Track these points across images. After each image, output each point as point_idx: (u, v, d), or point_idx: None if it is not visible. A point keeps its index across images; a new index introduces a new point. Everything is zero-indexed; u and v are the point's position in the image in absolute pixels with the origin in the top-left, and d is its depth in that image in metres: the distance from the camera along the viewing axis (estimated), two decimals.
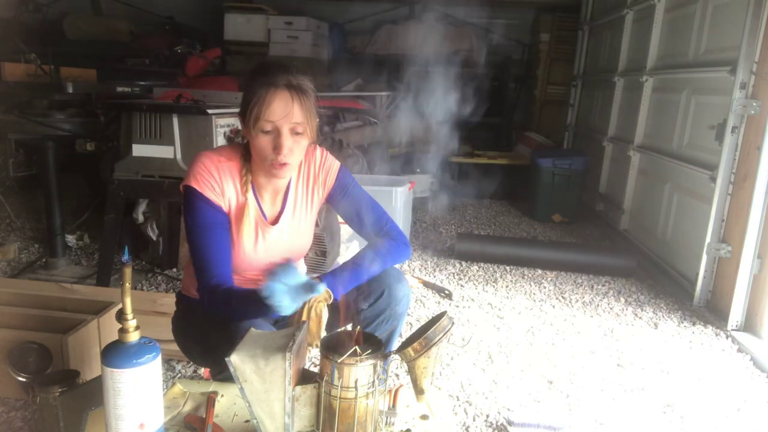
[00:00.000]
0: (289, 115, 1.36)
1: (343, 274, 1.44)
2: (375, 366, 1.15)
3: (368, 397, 1.15)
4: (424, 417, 1.41)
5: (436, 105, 7.17)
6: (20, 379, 1.74)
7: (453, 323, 1.24)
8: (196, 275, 1.43)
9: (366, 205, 1.60)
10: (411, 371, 1.23)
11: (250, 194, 1.48)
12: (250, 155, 1.48)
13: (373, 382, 1.16)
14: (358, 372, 1.13)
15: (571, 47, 6.25)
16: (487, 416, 1.89)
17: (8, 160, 3.00)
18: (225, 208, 1.45)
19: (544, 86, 6.74)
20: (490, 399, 2.00)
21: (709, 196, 2.87)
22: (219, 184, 1.43)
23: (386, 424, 1.33)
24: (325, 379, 1.14)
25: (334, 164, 1.59)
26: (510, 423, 1.84)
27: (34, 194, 4.28)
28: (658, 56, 3.93)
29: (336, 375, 1.13)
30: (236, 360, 1.09)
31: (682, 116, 3.42)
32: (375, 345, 1.20)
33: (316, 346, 1.30)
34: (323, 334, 1.35)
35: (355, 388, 1.13)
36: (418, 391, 1.23)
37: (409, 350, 1.20)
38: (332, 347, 1.18)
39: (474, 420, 1.87)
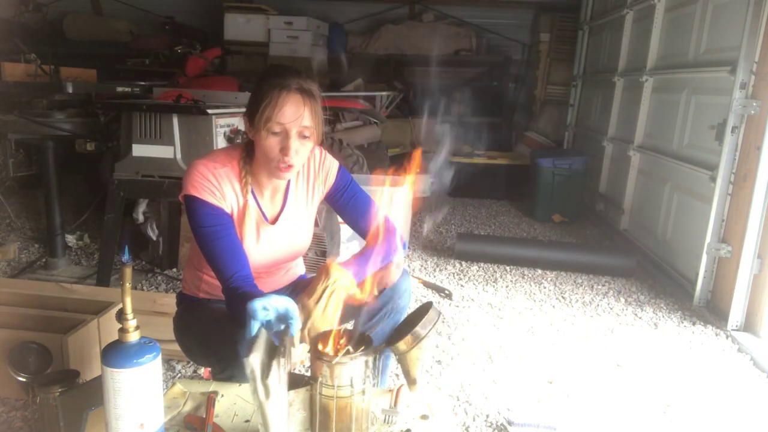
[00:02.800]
0: (299, 118, 1.37)
1: (353, 266, 1.43)
2: (367, 362, 1.16)
3: (364, 393, 1.16)
4: (424, 417, 1.41)
5: (436, 105, 7.18)
6: (20, 379, 1.74)
7: (440, 314, 1.26)
8: (218, 279, 1.43)
9: (363, 203, 1.61)
10: (402, 363, 1.24)
11: (250, 195, 1.49)
12: (249, 156, 1.48)
13: (367, 377, 1.16)
14: (352, 369, 1.13)
15: (571, 47, 6.26)
16: (487, 416, 1.89)
17: (8, 160, 2.99)
18: (228, 211, 1.45)
19: (544, 86, 6.73)
20: (490, 399, 2.00)
21: (709, 196, 2.87)
22: (218, 189, 1.43)
23: (387, 423, 1.33)
24: (319, 380, 1.14)
25: (333, 164, 1.61)
26: (510, 423, 1.84)
27: (34, 194, 4.28)
28: (658, 56, 3.93)
29: (329, 375, 1.12)
30: (252, 361, 1.08)
31: (682, 116, 3.42)
32: (365, 341, 1.20)
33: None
34: (335, 323, 1.34)
35: (351, 385, 1.13)
36: (411, 381, 1.25)
37: (401, 344, 1.21)
38: (322, 347, 1.17)
39: (474, 420, 1.87)
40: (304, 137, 1.40)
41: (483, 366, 2.24)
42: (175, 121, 2.59)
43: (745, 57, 2.65)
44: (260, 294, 1.26)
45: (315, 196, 1.60)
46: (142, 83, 3.79)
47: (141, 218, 3.12)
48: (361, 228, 1.62)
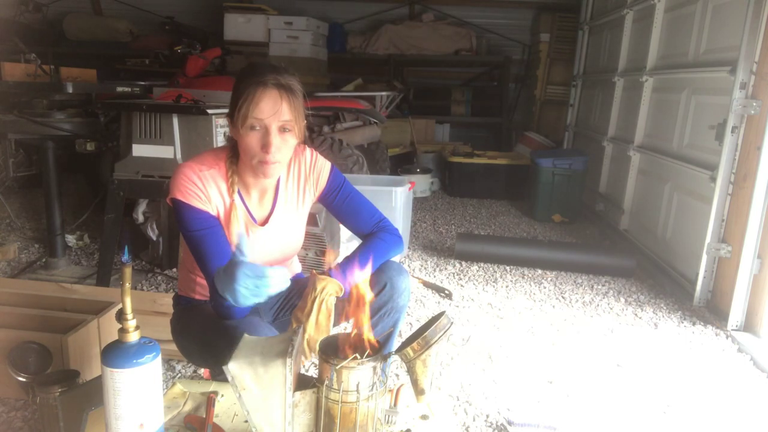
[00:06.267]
0: (277, 113, 1.36)
1: (350, 267, 1.44)
2: (375, 368, 1.15)
3: (369, 400, 1.15)
4: (424, 417, 1.41)
5: (436, 105, 7.13)
6: (20, 379, 1.74)
7: (452, 323, 1.24)
8: (206, 282, 1.43)
9: (358, 203, 1.62)
10: (411, 371, 1.22)
11: (237, 197, 1.48)
12: (235, 156, 1.48)
13: (374, 384, 1.15)
14: (359, 375, 1.12)
15: (571, 47, 6.26)
16: (487, 416, 1.89)
17: (8, 160, 2.99)
18: (213, 213, 1.45)
19: (544, 86, 6.74)
20: (490, 399, 2.00)
21: (709, 196, 2.87)
22: (203, 192, 1.42)
23: (387, 422, 1.33)
24: (325, 383, 1.13)
25: (325, 165, 1.60)
26: (510, 423, 1.84)
27: (34, 194, 4.29)
28: (658, 56, 3.93)
29: (336, 379, 1.12)
30: (234, 368, 1.08)
31: (682, 116, 3.42)
32: (375, 347, 1.20)
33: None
34: (331, 328, 1.35)
35: (357, 391, 1.12)
36: (419, 391, 1.23)
37: (408, 350, 1.19)
38: (331, 351, 1.17)
39: (474, 420, 1.87)
40: (285, 131, 1.39)
41: (483, 366, 2.24)
42: (175, 121, 2.60)
43: (745, 57, 2.65)
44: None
45: (306, 198, 1.60)
46: (142, 83, 3.80)
47: (141, 218, 3.12)
48: (357, 228, 1.62)
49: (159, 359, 1.15)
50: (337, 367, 1.11)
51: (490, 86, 7.36)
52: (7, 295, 2.09)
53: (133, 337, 1.13)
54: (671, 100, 3.60)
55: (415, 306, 2.81)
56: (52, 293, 2.23)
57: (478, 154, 5.62)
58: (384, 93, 4.92)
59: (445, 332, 1.20)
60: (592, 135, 5.18)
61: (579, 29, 6.02)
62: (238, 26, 5.78)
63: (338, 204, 1.61)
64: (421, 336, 1.18)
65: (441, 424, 1.38)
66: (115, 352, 1.12)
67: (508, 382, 2.13)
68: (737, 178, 2.73)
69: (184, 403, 1.37)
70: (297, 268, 1.79)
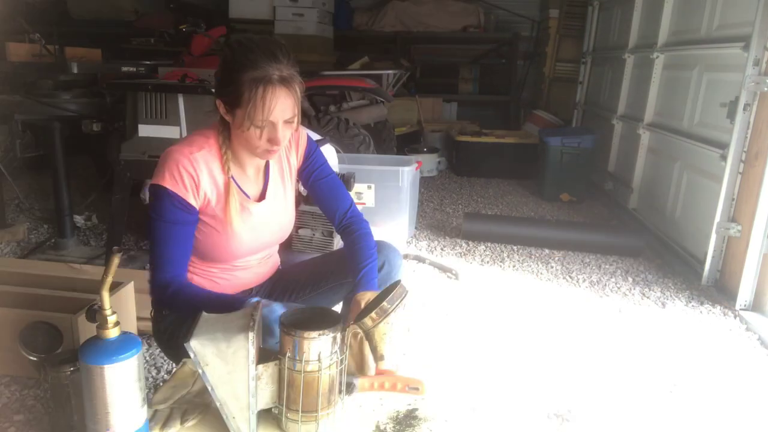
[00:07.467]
0: (285, 110, 1.35)
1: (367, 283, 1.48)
2: (335, 338, 1.18)
3: (330, 368, 1.18)
4: (415, 390, 1.40)
5: (443, 83, 7.04)
6: (31, 358, 1.76)
7: (407, 291, 1.30)
8: (150, 268, 1.43)
9: (335, 185, 1.66)
10: (370, 339, 1.29)
11: (231, 177, 1.47)
12: (226, 132, 1.46)
13: (335, 353, 1.19)
14: (319, 345, 1.15)
15: (581, 23, 6.16)
16: (488, 398, 1.90)
17: (15, 141, 3.00)
18: (200, 204, 1.42)
19: (553, 63, 6.65)
20: (494, 380, 2.01)
21: (719, 175, 2.84)
22: (195, 178, 1.39)
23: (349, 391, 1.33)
24: (287, 355, 1.16)
25: (302, 132, 1.62)
26: (516, 409, 1.85)
27: (42, 175, 4.30)
28: (670, 32, 3.86)
29: (298, 350, 1.14)
30: (196, 344, 1.10)
31: (694, 94, 3.37)
32: (333, 318, 1.23)
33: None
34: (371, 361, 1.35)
35: (318, 360, 1.15)
36: (378, 357, 1.29)
37: (367, 320, 1.25)
38: (293, 324, 1.19)
39: (475, 401, 1.88)
40: (289, 123, 1.39)
41: (487, 346, 2.25)
42: (181, 100, 2.59)
43: (758, 33, 2.60)
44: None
45: (291, 165, 1.62)
46: (148, 63, 3.77)
47: (148, 199, 3.13)
48: (330, 210, 1.65)
49: (140, 354, 1.14)
50: (299, 338, 1.14)
51: (498, 64, 7.27)
52: (17, 276, 2.11)
53: (112, 333, 1.12)
54: (682, 77, 3.54)
55: (421, 286, 2.82)
56: (62, 273, 2.25)
57: (485, 133, 5.58)
58: (390, 71, 4.87)
59: (401, 300, 1.27)
60: (602, 113, 5.12)
61: (589, 5, 5.92)
62: (243, 4, 5.72)
63: (316, 180, 1.63)
64: (378, 307, 1.25)
65: (440, 406, 1.38)
66: (94, 349, 1.10)
67: (513, 363, 2.13)
68: (748, 157, 2.70)
69: (194, 383, 1.38)
70: (277, 258, 1.79)
